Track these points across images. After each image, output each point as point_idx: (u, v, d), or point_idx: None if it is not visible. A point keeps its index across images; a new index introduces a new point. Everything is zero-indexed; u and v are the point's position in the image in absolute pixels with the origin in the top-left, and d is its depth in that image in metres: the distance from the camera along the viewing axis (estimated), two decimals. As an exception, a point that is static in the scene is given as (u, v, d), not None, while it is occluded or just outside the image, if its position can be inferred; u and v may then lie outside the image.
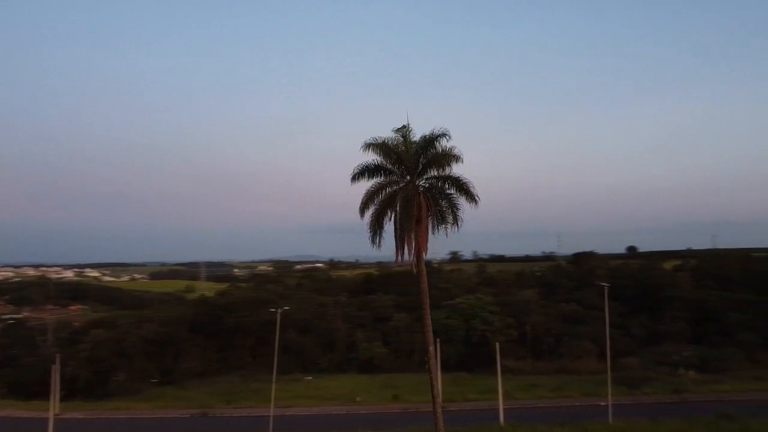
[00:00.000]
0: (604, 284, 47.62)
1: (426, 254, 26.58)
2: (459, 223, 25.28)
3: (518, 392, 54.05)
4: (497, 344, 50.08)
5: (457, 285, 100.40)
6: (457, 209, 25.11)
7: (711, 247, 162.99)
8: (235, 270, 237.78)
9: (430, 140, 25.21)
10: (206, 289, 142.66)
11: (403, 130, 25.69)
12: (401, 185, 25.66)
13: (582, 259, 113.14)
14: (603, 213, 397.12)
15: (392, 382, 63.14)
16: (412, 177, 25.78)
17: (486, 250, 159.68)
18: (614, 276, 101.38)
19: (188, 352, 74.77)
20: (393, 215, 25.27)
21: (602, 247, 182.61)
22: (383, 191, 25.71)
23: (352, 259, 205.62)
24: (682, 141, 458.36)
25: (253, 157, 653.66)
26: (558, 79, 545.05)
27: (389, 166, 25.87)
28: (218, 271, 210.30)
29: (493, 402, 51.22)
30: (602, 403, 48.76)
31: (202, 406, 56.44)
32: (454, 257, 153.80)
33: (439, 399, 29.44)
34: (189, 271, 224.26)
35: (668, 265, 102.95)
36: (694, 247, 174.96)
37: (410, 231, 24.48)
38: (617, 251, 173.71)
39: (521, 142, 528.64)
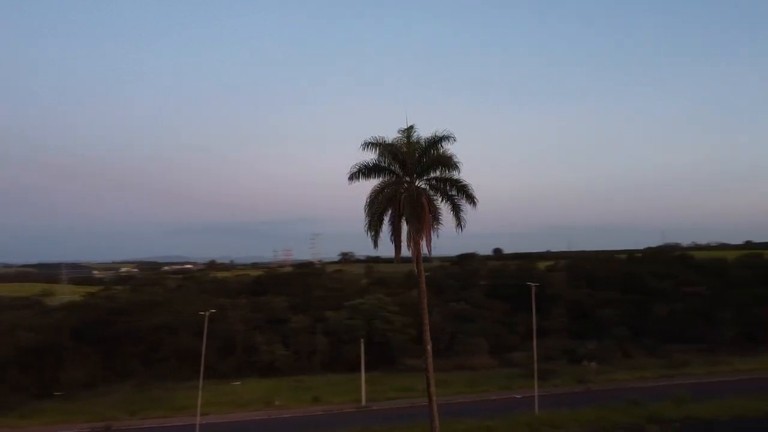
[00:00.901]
0: (532, 284, 50.65)
1: (430, 253, 27.21)
2: (463, 225, 26.10)
3: (439, 389, 55.65)
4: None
5: (349, 286, 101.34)
6: (460, 210, 25.87)
7: (567, 250, 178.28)
8: (95, 272, 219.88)
9: (433, 142, 25.77)
10: (69, 292, 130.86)
11: (409, 131, 26.04)
12: (404, 185, 25.97)
13: (465, 260, 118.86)
14: (470, 217, 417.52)
15: (302, 385, 62.57)
16: (412, 177, 26.17)
17: (362, 251, 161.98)
18: (496, 276, 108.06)
19: (72, 362, 68.53)
20: (393, 215, 25.52)
21: (470, 249, 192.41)
22: (385, 191, 25.87)
23: (225, 260, 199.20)
24: (540, 150, 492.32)
25: (105, 152, 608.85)
26: (434, 83, 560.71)
27: (390, 165, 26.10)
28: (76, 273, 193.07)
29: (414, 400, 52.74)
30: (517, 396, 52.12)
31: (103, 419, 52.16)
32: (345, 258, 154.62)
33: (434, 397, 29.84)
34: (40, 273, 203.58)
35: (541, 265, 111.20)
36: (553, 249, 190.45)
37: (418, 231, 24.98)
38: (484, 253, 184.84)
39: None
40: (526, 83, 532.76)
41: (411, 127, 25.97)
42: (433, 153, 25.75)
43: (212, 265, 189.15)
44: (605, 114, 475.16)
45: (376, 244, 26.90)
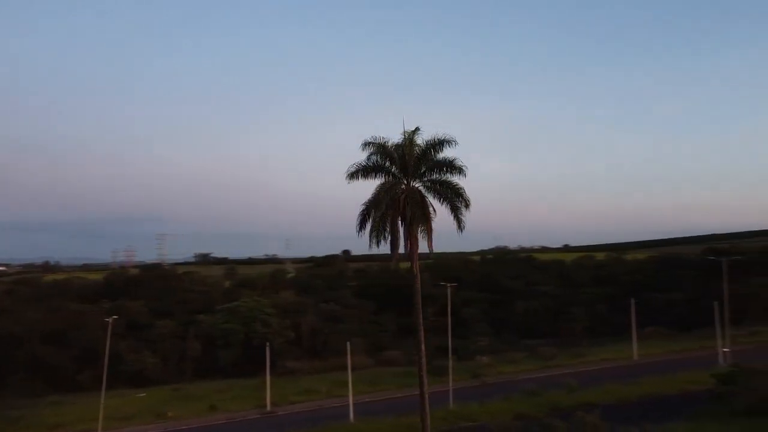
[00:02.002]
0: (449, 284, 52.41)
1: (431, 250, 27.78)
2: (462, 227, 26.71)
3: (336, 389, 55.67)
4: (348, 344, 50.98)
5: (213, 288, 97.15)
6: (460, 212, 26.46)
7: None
8: None
9: (432, 145, 26.21)
10: None
11: (414, 133, 26.30)
12: (402, 186, 26.19)
13: (330, 261, 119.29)
14: (321, 218, 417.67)
15: (186, 394, 58.83)
16: (411, 179, 26.45)
17: (220, 252, 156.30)
18: (362, 277, 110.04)
19: None
20: (393, 215, 25.60)
21: (319, 251, 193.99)
22: (383, 191, 25.95)
23: (43, 261, 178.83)
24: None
25: None
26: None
27: (390, 166, 26.20)
28: None
29: (321, 402, 52.30)
30: (417, 393, 53.64)
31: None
32: (204, 259, 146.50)
33: (426, 396, 30.05)
34: None
35: (403, 265, 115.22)
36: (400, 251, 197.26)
37: (426, 231, 25.48)
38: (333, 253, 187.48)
39: (245, 144, 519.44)
40: (363, 83, 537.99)
41: (417, 129, 26.31)
42: (434, 156, 26.26)
43: (41, 267, 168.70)
44: (436, 119, 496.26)
45: (378, 244, 26.84)
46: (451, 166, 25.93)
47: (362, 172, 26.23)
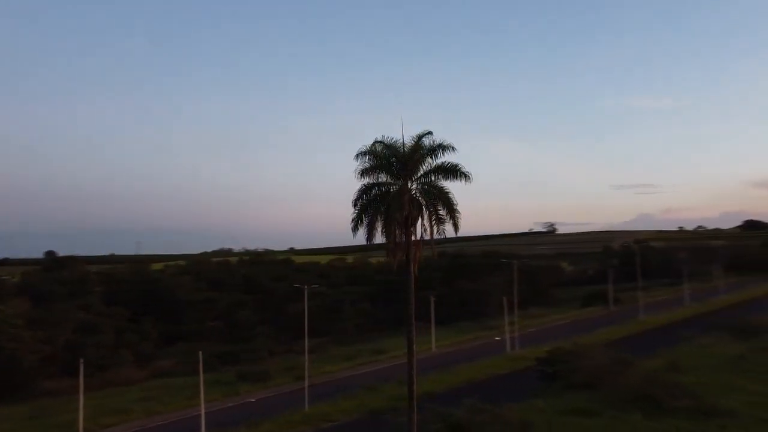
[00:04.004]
0: (303, 286, 49.33)
1: (434, 251, 27.00)
2: (457, 229, 26.65)
3: (159, 406, 48.79)
4: (200, 352, 44.23)
5: None
6: (457, 215, 26.42)
7: (136, 253, 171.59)
8: None
9: (432, 149, 26.20)
10: None
11: (422, 136, 26.03)
12: (400, 186, 25.69)
13: (67, 263, 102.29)
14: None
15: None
16: (405, 180, 26.12)
17: None
18: (108, 281, 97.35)
19: None
20: (388, 215, 24.89)
21: (14, 252, 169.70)
22: (379, 190, 25.42)
23: None
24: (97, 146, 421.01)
25: None
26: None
27: (393, 167, 25.66)
28: None
29: (140, 422, 45.63)
30: (252, 400, 50.53)
31: None
32: None
33: (415, 398, 28.58)
34: None
35: (156, 266, 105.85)
36: (118, 253, 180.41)
37: (435, 230, 25.20)
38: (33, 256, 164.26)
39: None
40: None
41: (429, 133, 26.09)
42: (436, 159, 26.52)
43: None
44: (161, 123, 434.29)
45: (372, 241, 25.82)
46: (455, 171, 26.42)
47: (369, 170, 25.68)
